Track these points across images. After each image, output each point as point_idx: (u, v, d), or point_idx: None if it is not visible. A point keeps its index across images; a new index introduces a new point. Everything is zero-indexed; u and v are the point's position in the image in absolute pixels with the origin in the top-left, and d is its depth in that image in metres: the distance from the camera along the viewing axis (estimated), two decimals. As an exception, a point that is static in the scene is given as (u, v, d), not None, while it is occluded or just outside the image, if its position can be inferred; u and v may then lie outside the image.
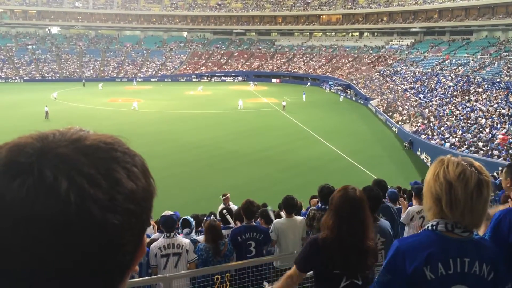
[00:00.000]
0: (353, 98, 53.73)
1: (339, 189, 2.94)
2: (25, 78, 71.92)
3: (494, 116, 28.82)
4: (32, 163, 0.60)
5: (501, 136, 25.33)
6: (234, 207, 9.80)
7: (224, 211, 7.26)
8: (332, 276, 2.79)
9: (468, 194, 1.78)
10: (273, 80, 75.07)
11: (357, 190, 2.91)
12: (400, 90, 48.46)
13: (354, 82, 59.67)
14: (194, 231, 7.07)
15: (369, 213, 2.89)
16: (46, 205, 0.57)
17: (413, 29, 70.12)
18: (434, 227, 1.86)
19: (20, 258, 0.57)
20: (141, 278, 5.05)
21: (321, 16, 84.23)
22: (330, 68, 71.77)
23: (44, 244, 0.57)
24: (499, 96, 33.20)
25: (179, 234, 6.29)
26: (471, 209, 1.79)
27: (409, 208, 6.77)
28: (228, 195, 10.70)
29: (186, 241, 5.68)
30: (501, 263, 1.89)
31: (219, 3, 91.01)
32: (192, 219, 7.13)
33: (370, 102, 46.92)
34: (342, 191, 2.88)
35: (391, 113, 39.57)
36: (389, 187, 7.72)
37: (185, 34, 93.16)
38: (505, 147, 23.10)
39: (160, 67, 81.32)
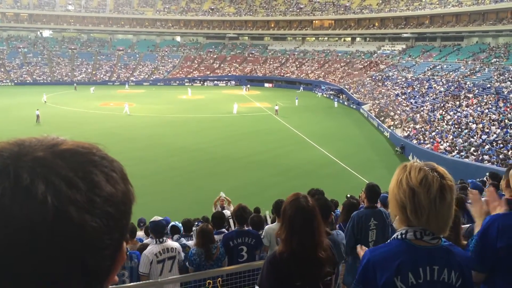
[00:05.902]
0: (346, 103, 53.97)
1: (290, 198, 2.85)
2: (16, 81, 71.31)
3: (484, 121, 29.09)
4: (7, 166, 0.60)
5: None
6: (227, 212, 9.74)
7: (230, 216, 7.21)
8: None
9: (432, 200, 1.79)
10: (266, 85, 75.14)
11: (309, 198, 2.84)
12: (392, 95, 48.73)
13: (346, 87, 59.95)
14: (183, 236, 7.08)
15: (321, 222, 2.82)
16: (23, 207, 0.57)
17: (405, 35, 70.74)
18: (403, 236, 1.86)
19: None
20: (132, 283, 5.02)
21: (314, 21, 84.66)
22: (323, 73, 72.06)
23: (21, 246, 0.56)
24: (490, 102, 33.54)
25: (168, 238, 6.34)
26: (436, 214, 1.80)
27: None
28: (222, 198, 10.65)
29: (176, 244, 5.77)
30: (468, 269, 1.92)
31: (212, 7, 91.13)
32: (180, 225, 7.13)
33: (362, 106, 47.13)
34: (293, 202, 2.80)
35: (383, 118, 39.80)
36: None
37: (178, 38, 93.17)
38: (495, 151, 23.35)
39: (153, 70, 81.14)
